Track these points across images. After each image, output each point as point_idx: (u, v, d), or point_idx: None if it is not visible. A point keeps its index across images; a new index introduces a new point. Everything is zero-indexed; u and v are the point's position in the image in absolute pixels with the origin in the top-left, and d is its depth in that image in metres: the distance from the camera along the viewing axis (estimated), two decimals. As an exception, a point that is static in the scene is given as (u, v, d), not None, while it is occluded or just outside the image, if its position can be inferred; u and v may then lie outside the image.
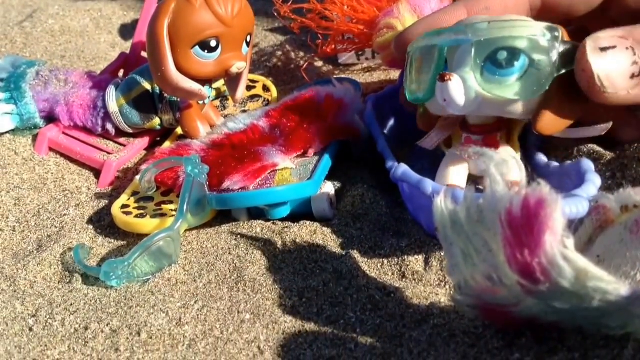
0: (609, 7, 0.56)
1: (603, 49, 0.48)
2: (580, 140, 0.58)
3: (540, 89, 0.50)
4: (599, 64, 0.48)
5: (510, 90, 0.51)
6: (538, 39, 0.50)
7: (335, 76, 0.84)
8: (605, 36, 0.49)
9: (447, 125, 0.59)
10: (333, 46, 0.82)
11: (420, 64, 0.56)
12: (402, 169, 0.56)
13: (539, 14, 0.57)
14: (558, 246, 0.36)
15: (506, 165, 0.41)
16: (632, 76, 0.48)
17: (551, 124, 0.51)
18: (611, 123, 0.53)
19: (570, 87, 0.50)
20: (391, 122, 0.69)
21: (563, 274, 0.37)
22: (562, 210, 0.40)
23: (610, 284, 0.37)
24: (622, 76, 0.48)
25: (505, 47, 0.50)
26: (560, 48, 0.50)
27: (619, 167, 0.57)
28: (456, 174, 0.57)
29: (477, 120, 0.56)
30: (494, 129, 0.56)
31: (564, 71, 0.50)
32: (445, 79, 0.52)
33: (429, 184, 0.53)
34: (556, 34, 0.50)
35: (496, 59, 0.51)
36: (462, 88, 0.52)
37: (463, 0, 0.58)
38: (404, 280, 0.54)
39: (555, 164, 0.57)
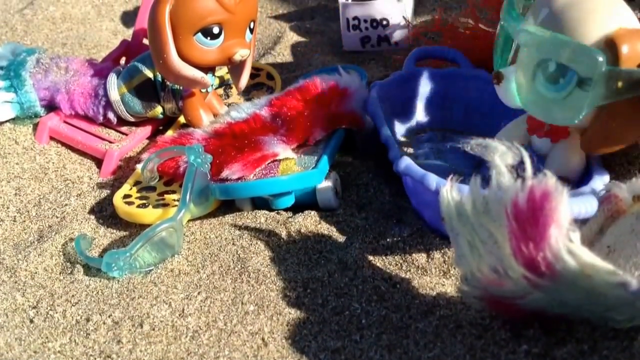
0: None
1: None
2: None
3: (578, 114, 0.47)
4: None
5: (550, 108, 0.49)
6: (591, 61, 0.45)
7: (340, 64, 0.84)
8: None
9: None
10: None
11: (501, 36, 0.55)
12: (405, 163, 0.55)
13: None
14: (563, 240, 0.36)
15: (511, 155, 0.40)
16: None
17: (599, 144, 0.49)
18: None
19: (627, 113, 0.47)
20: (397, 110, 0.68)
21: (568, 268, 0.36)
22: (570, 210, 0.40)
23: (617, 279, 0.36)
24: None
25: (555, 60, 0.47)
26: (615, 75, 0.45)
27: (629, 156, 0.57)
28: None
29: None
30: None
31: (614, 99, 0.46)
32: (494, 81, 0.51)
33: (432, 179, 0.52)
34: (604, 58, 0.45)
35: (547, 69, 0.48)
36: (510, 92, 0.51)
37: None
38: (409, 270, 0.54)
39: None
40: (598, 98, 0.46)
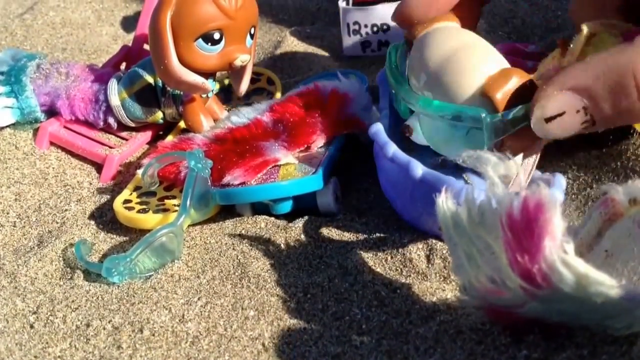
0: None
1: (549, 119, 0.46)
2: None
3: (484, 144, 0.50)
4: (542, 133, 0.47)
5: (454, 148, 0.51)
6: (478, 121, 0.49)
7: (340, 69, 0.84)
8: (552, 106, 0.45)
9: None
10: None
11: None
12: (377, 128, 0.57)
13: None
14: (558, 252, 0.36)
15: (504, 166, 0.40)
16: (582, 127, 0.46)
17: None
18: None
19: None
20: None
21: (563, 279, 0.36)
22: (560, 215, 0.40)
23: (612, 289, 0.36)
24: (568, 132, 0.47)
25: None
26: (498, 122, 0.49)
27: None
28: None
29: None
30: None
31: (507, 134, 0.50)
32: (406, 135, 0.55)
33: (391, 147, 0.54)
34: (486, 114, 0.49)
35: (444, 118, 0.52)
36: (420, 136, 0.55)
37: None
38: (409, 275, 0.54)
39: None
40: (492, 137, 0.50)
